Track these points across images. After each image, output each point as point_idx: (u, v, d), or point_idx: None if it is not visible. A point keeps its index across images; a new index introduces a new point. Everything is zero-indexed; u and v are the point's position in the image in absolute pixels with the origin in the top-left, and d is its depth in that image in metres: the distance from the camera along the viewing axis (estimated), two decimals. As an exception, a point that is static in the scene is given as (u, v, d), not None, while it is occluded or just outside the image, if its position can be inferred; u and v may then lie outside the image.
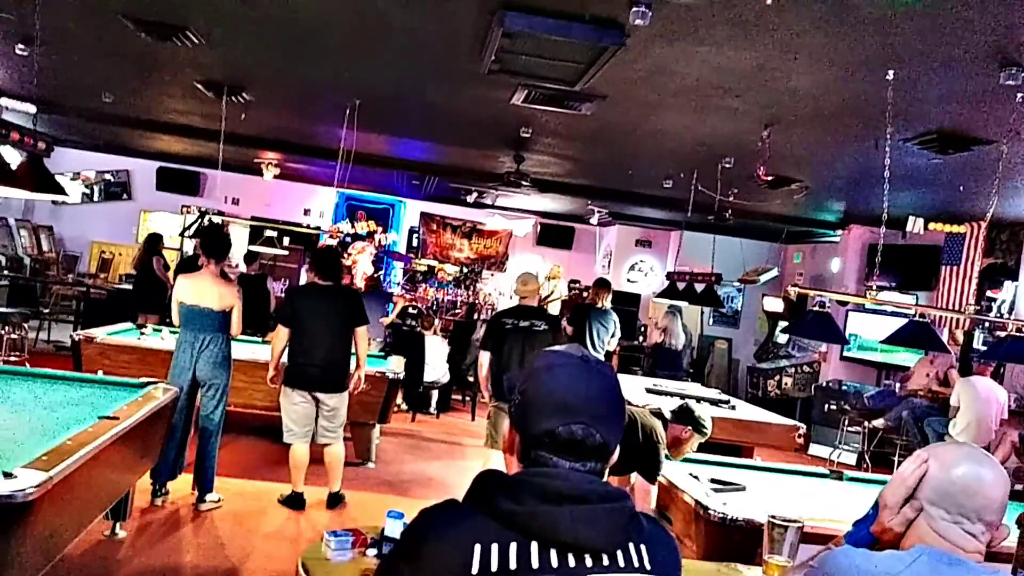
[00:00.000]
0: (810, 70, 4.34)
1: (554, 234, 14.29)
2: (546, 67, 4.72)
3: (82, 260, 13.15)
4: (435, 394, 9.04)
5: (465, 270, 13.46)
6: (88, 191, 13.36)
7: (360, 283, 11.54)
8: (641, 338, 12.28)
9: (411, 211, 14.27)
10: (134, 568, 4.09)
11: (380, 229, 13.34)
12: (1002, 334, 4.84)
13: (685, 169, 7.66)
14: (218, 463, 5.16)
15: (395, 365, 6.63)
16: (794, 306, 10.86)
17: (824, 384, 10.22)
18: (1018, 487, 6.09)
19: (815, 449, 9.34)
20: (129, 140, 11.44)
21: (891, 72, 4.11)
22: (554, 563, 1.21)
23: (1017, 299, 8.46)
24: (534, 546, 1.21)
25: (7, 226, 11.59)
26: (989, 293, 8.89)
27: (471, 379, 9.22)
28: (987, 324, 8.58)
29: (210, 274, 5.03)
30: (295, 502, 5.24)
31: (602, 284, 8.13)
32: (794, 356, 11.40)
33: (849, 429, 9.03)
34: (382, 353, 7.87)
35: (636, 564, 1.27)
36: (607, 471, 1.35)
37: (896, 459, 8.25)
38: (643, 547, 1.29)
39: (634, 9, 3.50)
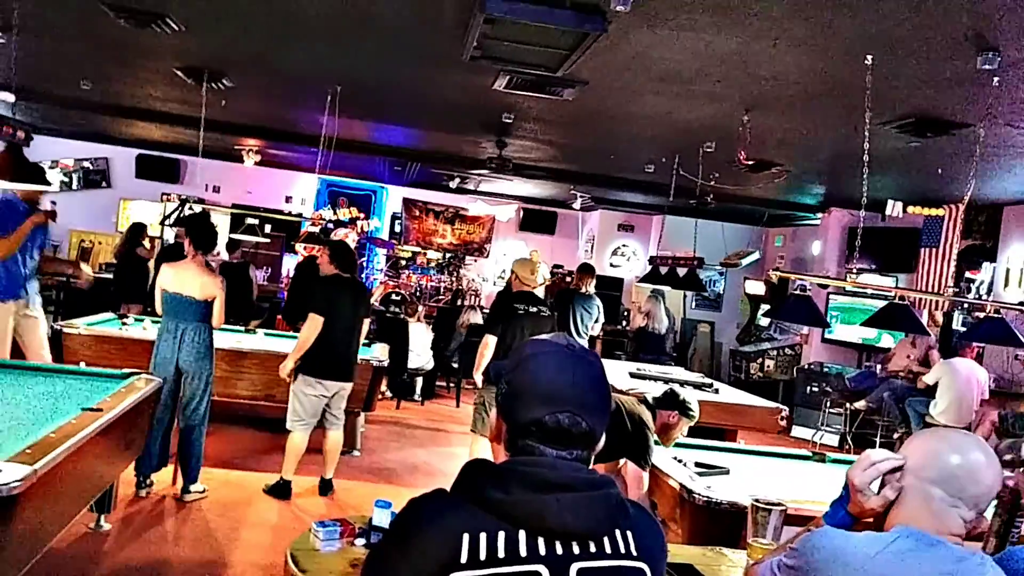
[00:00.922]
0: (790, 55, 4.36)
1: (537, 219, 14.29)
2: (528, 53, 4.71)
3: (61, 249, 13.00)
4: (420, 381, 9.05)
5: (448, 256, 13.45)
6: (67, 179, 13.19)
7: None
8: (624, 322, 12.33)
9: (393, 197, 14.21)
10: (119, 560, 4.08)
11: (362, 215, 13.30)
12: (982, 315, 4.90)
13: (667, 153, 7.68)
14: (205, 454, 5.15)
15: (379, 352, 6.63)
16: (776, 289, 10.95)
17: (806, 366, 10.33)
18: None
19: (798, 431, 9.44)
20: (108, 127, 11.30)
21: (869, 57, 4.13)
22: (542, 551, 1.23)
23: (995, 280, 8.57)
24: (522, 534, 1.23)
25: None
26: (968, 274, 9.00)
27: (455, 365, 9.24)
28: (966, 306, 8.70)
29: (195, 263, 5.00)
30: (282, 491, 5.24)
31: (586, 269, 8.14)
32: (776, 339, 11.50)
33: (831, 411, 9.15)
34: (366, 341, 7.86)
35: (623, 550, 1.29)
36: (593, 458, 1.37)
37: (877, 440, 8.36)
38: (629, 533, 1.31)
39: (615, -5, 3.50)
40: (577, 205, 12.76)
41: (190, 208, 8.84)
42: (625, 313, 12.67)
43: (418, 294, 12.21)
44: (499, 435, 1.38)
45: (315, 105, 7.15)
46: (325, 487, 5.42)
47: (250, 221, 9.54)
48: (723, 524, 3.21)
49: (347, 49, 5.41)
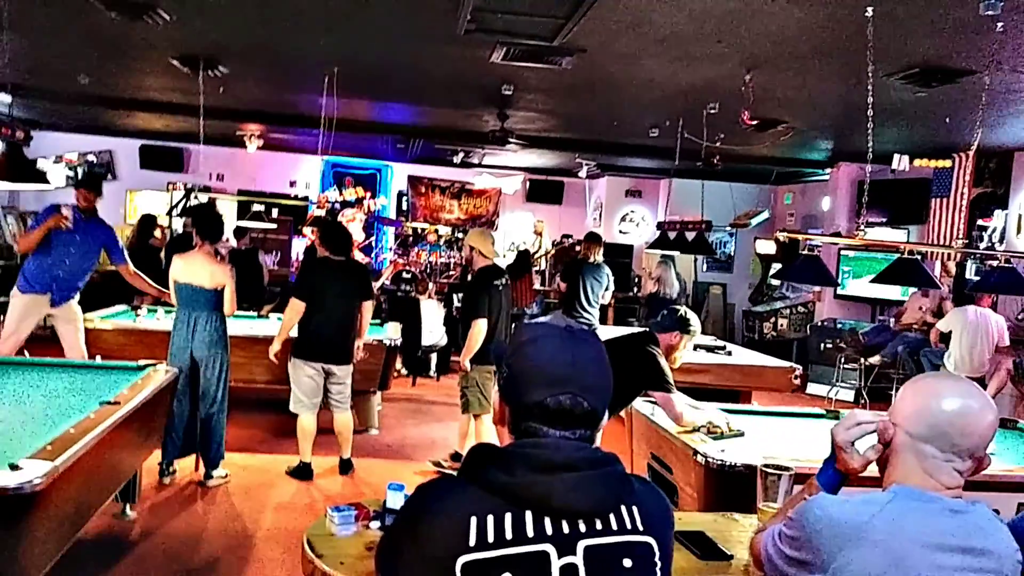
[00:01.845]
0: (789, 10, 4.30)
1: (543, 189, 14.23)
2: (523, 23, 4.67)
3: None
4: (434, 357, 9.09)
5: (456, 232, 13.43)
6: (72, 173, 13.21)
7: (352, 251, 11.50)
8: (635, 289, 12.31)
9: (398, 175, 14.17)
10: (146, 547, 4.16)
11: (368, 195, 13.27)
12: (995, 264, 4.86)
13: (670, 117, 7.62)
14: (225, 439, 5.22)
15: (392, 332, 6.67)
16: (786, 248, 10.89)
17: (819, 323, 10.30)
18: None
19: (813, 388, 9.44)
20: (110, 120, 11.30)
21: (870, 8, 4.07)
22: (549, 531, 1.25)
23: (1007, 227, 8.50)
24: (528, 515, 1.25)
25: (-7, 214, 11.50)
26: (980, 222, 8.92)
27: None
28: (978, 256, 8.63)
29: (203, 253, 5.04)
30: (303, 472, 5.33)
31: (593, 238, 8.13)
32: (788, 297, 11.47)
33: (846, 366, 9.14)
34: (378, 320, 7.90)
35: (629, 526, 1.31)
36: (598, 437, 1.38)
37: (893, 393, 8.36)
38: (635, 508, 1.33)
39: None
40: (583, 173, 12.68)
41: (195, 197, 8.86)
42: (636, 280, 12.65)
43: (428, 271, 12.22)
44: (502, 418, 1.40)
45: (314, 87, 7.12)
46: (345, 466, 5.51)
47: (256, 207, 9.54)
48: (737, 486, 3.20)
49: (342, 29, 5.38)
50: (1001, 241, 8.56)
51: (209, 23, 5.47)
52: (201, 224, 5.18)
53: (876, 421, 1.69)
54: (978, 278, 8.67)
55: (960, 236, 7.89)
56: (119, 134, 12.63)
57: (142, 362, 4.52)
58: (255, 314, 7.40)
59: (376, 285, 9.34)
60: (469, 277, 5.82)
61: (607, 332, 7.58)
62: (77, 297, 5.88)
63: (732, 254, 13.15)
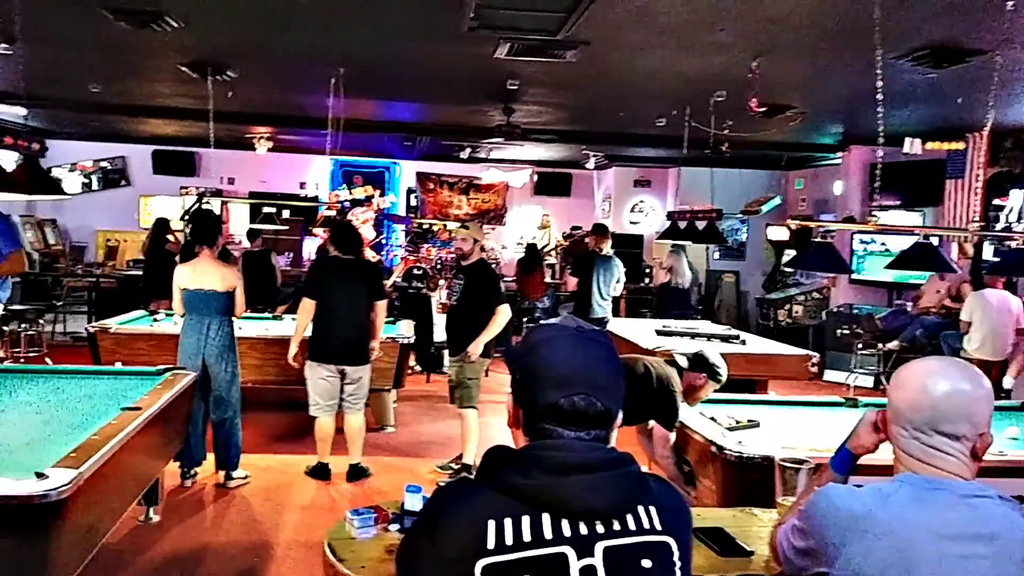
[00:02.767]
0: (794, -3, 4.28)
1: (551, 182, 14.22)
2: (526, 18, 4.68)
3: (89, 250, 13.20)
4: (447, 353, 9.10)
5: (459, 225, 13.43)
6: (87, 181, 13.35)
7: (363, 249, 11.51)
8: (647, 279, 12.29)
9: (407, 172, 14.20)
10: (170, 550, 4.21)
11: (377, 193, 13.33)
12: (1013, 244, 4.82)
13: (677, 106, 7.59)
14: (243, 440, 5.26)
15: (405, 329, 6.69)
16: (799, 234, 10.83)
17: (835, 309, 10.22)
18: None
19: (830, 375, 9.39)
20: (122, 127, 11.40)
21: (876, -9, 4.05)
22: (566, 532, 1.25)
23: (1024, 206, 8.42)
24: (545, 518, 1.25)
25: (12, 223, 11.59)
26: (996, 201, 8.83)
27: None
28: (995, 237, 8.55)
29: (208, 258, 5.07)
30: (321, 472, 5.35)
31: (600, 230, 8.12)
32: (803, 283, 11.40)
33: (863, 352, 9.06)
34: (391, 318, 7.93)
35: (646, 526, 1.31)
36: (613, 436, 1.39)
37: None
38: (652, 508, 1.33)
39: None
40: (591, 164, 12.67)
41: (207, 202, 8.90)
42: (647, 270, 12.62)
43: (439, 267, 12.25)
44: (516, 420, 1.41)
45: (321, 88, 7.15)
46: (353, 473, 5.38)
47: (267, 210, 9.59)
48: (755, 478, 3.18)
49: (346, 30, 5.40)
50: (1019, 221, 8.47)
51: (215, 28, 5.51)
52: (196, 230, 5.21)
53: None
54: (996, 259, 8.60)
55: (976, 217, 7.80)
56: (132, 140, 12.74)
57: (161, 367, 4.56)
58: (269, 315, 7.44)
59: (388, 283, 9.39)
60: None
61: (622, 326, 7.58)
62: None
63: (744, 241, 13.09)
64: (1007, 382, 6.87)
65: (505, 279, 10.78)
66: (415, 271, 10.10)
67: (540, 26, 4.83)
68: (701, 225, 8.18)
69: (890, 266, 4.60)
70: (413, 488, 2.16)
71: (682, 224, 8.27)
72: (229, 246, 10.73)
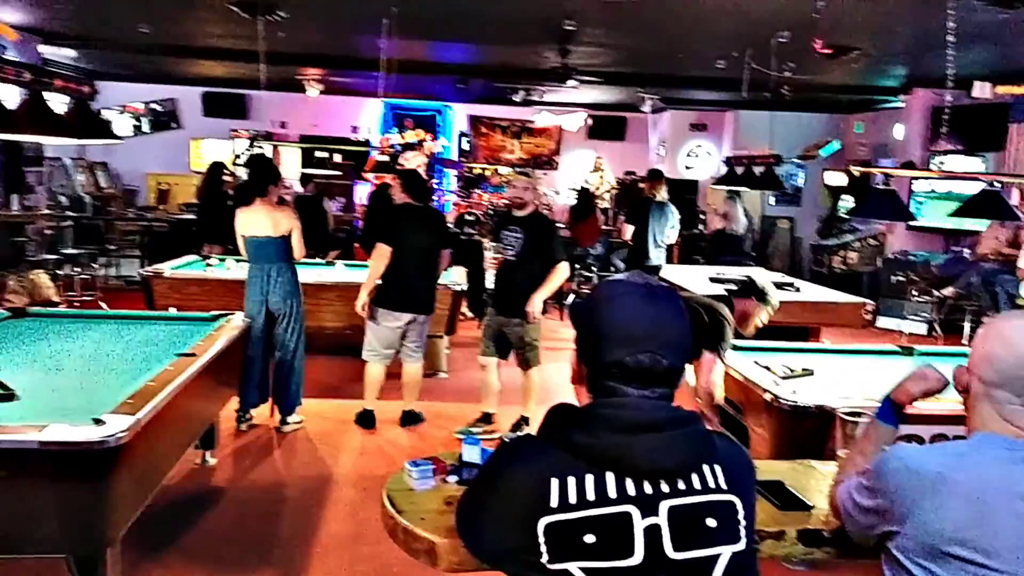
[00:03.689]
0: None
1: (605, 126, 13.95)
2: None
3: (140, 193, 13.38)
4: (491, 312, 9.06)
5: (516, 171, 13.28)
6: (137, 123, 13.48)
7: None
8: (701, 226, 12.06)
9: (459, 115, 14.05)
10: (228, 492, 4.30)
11: (429, 136, 13.21)
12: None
13: (738, 48, 7.35)
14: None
15: (457, 276, 6.65)
16: (857, 180, 10.50)
17: (891, 256, 10.00)
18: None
19: (883, 322, 9.16)
20: (172, 68, 11.42)
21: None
22: (631, 492, 1.24)
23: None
24: (610, 476, 1.24)
25: (63, 166, 11.76)
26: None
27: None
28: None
29: (262, 203, 5.06)
30: (366, 419, 5.34)
31: (656, 176, 7.95)
32: (859, 230, 11.10)
33: (918, 299, 8.87)
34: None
35: (712, 485, 1.29)
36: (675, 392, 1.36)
37: (967, 326, 8.10)
38: (717, 467, 1.31)
39: None
40: (646, 108, 12.36)
41: (259, 146, 8.92)
42: (701, 216, 12.38)
43: (491, 212, 12.17)
44: (580, 377, 1.39)
45: (373, 28, 7.04)
46: (407, 418, 5.42)
47: (319, 154, 9.58)
48: (810, 427, 3.14)
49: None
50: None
51: (264, -33, 5.40)
52: (250, 180, 5.22)
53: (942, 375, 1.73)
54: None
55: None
56: (182, 82, 12.77)
57: (215, 313, 4.61)
58: (322, 261, 7.47)
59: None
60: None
61: (675, 272, 7.46)
62: None
63: (800, 186, 12.73)
64: None
65: (557, 225, 10.68)
66: (467, 217, 10.04)
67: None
68: (758, 170, 7.94)
69: (955, 213, 4.40)
70: (471, 440, 2.15)
71: (739, 169, 8.05)
72: (282, 189, 10.79)
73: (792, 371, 3.80)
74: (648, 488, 1.24)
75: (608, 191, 13.09)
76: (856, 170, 6.07)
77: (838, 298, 6.68)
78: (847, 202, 11.43)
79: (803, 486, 2.29)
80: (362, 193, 12.33)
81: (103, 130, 4.09)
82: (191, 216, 9.62)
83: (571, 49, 7.87)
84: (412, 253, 5.13)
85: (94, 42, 8.65)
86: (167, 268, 6.32)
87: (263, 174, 5.22)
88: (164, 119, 13.56)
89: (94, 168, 12.56)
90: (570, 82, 8.75)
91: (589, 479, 1.23)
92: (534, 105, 12.99)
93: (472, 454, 2.12)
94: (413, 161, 11.39)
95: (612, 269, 10.03)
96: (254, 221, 5.02)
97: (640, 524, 1.22)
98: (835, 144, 10.81)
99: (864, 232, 10.89)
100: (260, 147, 9.08)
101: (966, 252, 9.14)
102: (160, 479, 3.21)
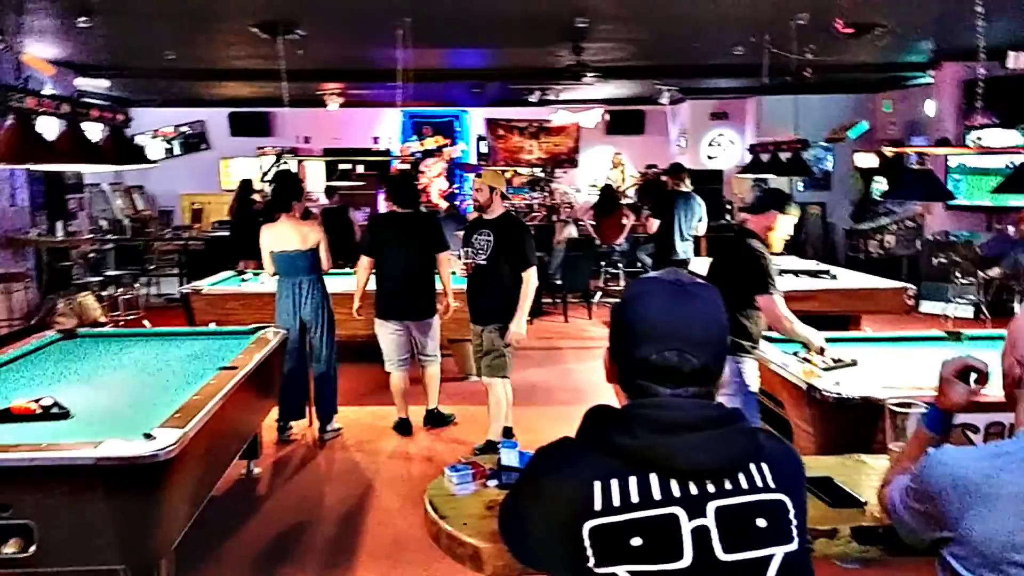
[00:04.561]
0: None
1: (624, 120, 13.91)
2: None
3: (175, 213, 13.64)
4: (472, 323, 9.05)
5: (536, 172, 13.29)
6: (169, 146, 13.76)
7: (437, 200, 11.54)
8: (728, 216, 11.97)
9: (476, 119, 14.11)
10: (273, 502, 4.38)
11: (448, 142, 13.30)
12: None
13: (756, 32, 7.26)
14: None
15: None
16: (890, 161, 10.34)
17: (930, 237, 9.78)
18: None
19: (926, 306, 9.00)
20: (199, 91, 11.65)
21: None
22: (676, 493, 1.21)
23: None
24: (653, 478, 1.21)
25: (102, 192, 12.10)
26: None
27: (559, 282, 9.22)
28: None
29: (287, 218, 5.15)
30: (403, 427, 5.40)
31: (677, 170, 7.96)
32: (895, 212, 10.91)
33: (962, 281, 8.67)
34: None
35: (760, 484, 1.26)
36: (718, 392, 1.34)
37: (1016, 306, 7.91)
38: (764, 465, 1.27)
39: None
40: (664, 100, 12.29)
41: (284, 162, 9.04)
42: (728, 206, 12.29)
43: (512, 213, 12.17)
44: (612, 375, 1.38)
45: (388, 40, 7.12)
46: (431, 418, 5.47)
47: (343, 166, 9.69)
48: (854, 420, 3.06)
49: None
50: None
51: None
52: (274, 197, 5.32)
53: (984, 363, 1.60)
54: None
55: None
56: (209, 104, 13.01)
57: (253, 326, 4.70)
58: (351, 271, 7.54)
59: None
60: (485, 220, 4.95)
61: (703, 265, 7.40)
62: None
63: (830, 170, 12.57)
64: None
65: (579, 223, 10.69)
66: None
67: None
68: (784, 156, 7.87)
69: (997, 190, 4.32)
70: (509, 443, 2.16)
71: (764, 157, 7.98)
72: (308, 203, 10.93)
73: (836, 361, 3.72)
74: (694, 489, 1.21)
75: (631, 186, 13.07)
76: (888, 151, 5.98)
77: (877, 284, 6.55)
78: (880, 184, 11.26)
79: (853, 482, 2.21)
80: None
81: (138, 155, 4.20)
82: (224, 233, 9.79)
83: (585, 46, 7.87)
84: (396, 262, 5.11)
85: (125, 71, 8.85)
86: (205, 285, 6.45)
87: (286, 190, 5.31)
88: (194, 141, 13.83)
89: (131, 192, 12.87)
90: (586, 79, 8.75)
91: (632, 481, 1.21)
92: (550, 104, 13.01)
93: (511, 458, 2.13)
94: (434, 168, 11.48)
95: (639, 265, 10.01)
96: (281, 236, 5.11)
97: (687, 526, 1.20)
98: (863, 125, 10.65)
99: (900, 214, 10.70)
100: (286, 162, 9.19)
101: (1010, 229, 8.94)
102: (209, 490, 3.30)
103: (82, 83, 8.67)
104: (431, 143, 12.66)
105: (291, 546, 3.84)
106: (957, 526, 1.41)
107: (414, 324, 5.26)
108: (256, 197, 9.12)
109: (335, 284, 6.35)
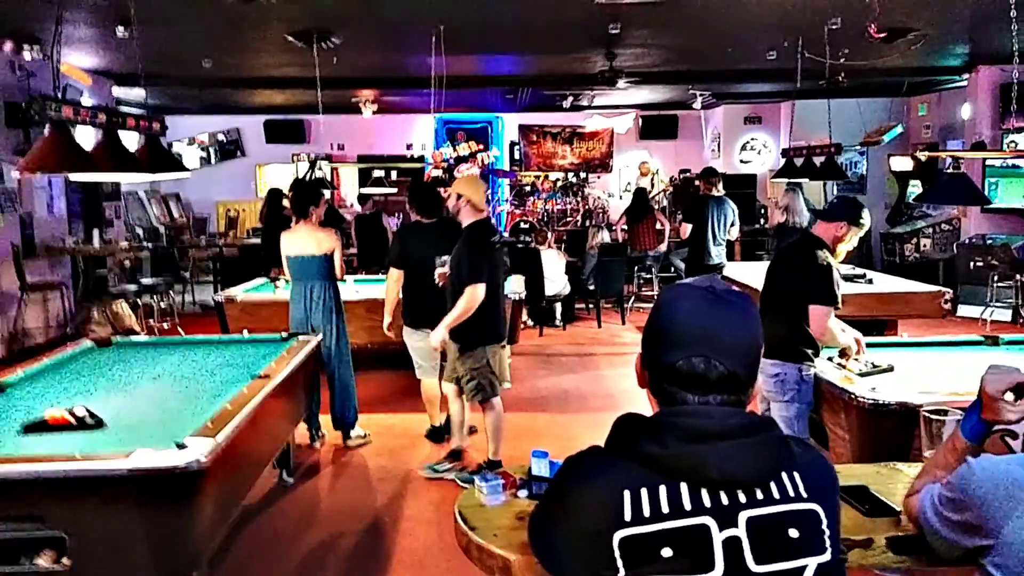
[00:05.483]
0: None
1: (657, 125, 13.84)
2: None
3: (210, 221, 13.84)
4: (558, 307, 9.11)
5: (570, 177, 13.27)
6: (204, 154, 13.96)
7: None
8: (762, 220, 11.85)
9: (509, 125, 14.13)
10: (306, 509, 4.41)
11: (481, 148, 13.31)
12: None
13: (789, 37, 7.22)
14: (362, 400, 5.42)
15: (516, 285, 6.68)
16: (925, 165, 10.17)
17: (967, 241, 9.63)
18: None
19: (964, 310, 8.86)
20: (235, 99, 11.81)
21: None
22: (706, 503, 1.20)
23: None
24: (684, 487, 1.20)
25: (139, 199, 12.29)
26: None
27: (592, 287, 9.20)
28: None
29: (304, 224, 5.20)
30: (435, 435, 5.40)
31: (709, 174, 7.89)
32: (930, 215, 10.74)
33: (1000, 285, 8.54)
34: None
35: (792, 493, 1.24)
36: (749, 402, 1.32)
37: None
38: (796, 474, 1.26)
39: None
40: (698, 104, 12.24)
41: (319, 168, 9.13)
42: (762, 211, 12.17)
43: (546, 220, 12.17)
44: (644, 381, 1.37)
45: (422, 47, 7.16)
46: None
47: (377, 173, 9.76)
48: (891, 426, 3.04)
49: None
50: None
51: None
52: (292, 203, 5.37)
53: None
54: None
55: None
56: (245, 111, 13.20)
57: (285, 333, 4.74)
58: (384, 277, 7.58)
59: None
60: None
61: (737, 270, 7.36)
62: None
63: (864, 174, 12.40)
64: None
65: (612, 228, 10.64)
66: (522, 224, 10.07)
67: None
68: (818, 160, 7.78)
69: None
70: (539, 453, 2.14)
71: (798, 161, 7.88)
72: (341, 210, 11.02)
73: (875, 366, 3.68)
74: (725, 499, 1.20)
75: (662, 191, 13.00)
76: (923, 154, 5.87)
77: (914, 288, 6.48)
78: (915, 188, 11.09)
79: (889, 490, 2.18)
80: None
81: (174, 164, 4.27)
82: (258, 240, 9.90)
83: (617, 52, 7.86)
84: (423, 270, 4.97)
85: (162, 79, 9.01)
86: (239, 292, 6.52)
87: (304, 197, 5.36)
88: (230, 148, 14.01)
89: (167, 199, 13.07)
90: (619, 84, 8.73)
91: (662, 490, 1.19)
92: (583, 110, 12.99)
93: (541, 468, 2.12)
94: (467, 174, 11.47)
95: (672, 270, 9.94)
96: (296, 241, 5.17)
97: (718, 536, 1.18)
98: (898, 128, 10.48)
99: (936, 217, 10.53)
100: (320, 168, 9.28)
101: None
102: (240, 500, 3.32)
103: (120, 92, 8.84)
104: (464, 149, 12.68)
105: (322, 554, 3.85)
106: (999, 533, 1.39)
107: None
108: (286, 203, 9.21)
109: (369, 290, 6.42)
